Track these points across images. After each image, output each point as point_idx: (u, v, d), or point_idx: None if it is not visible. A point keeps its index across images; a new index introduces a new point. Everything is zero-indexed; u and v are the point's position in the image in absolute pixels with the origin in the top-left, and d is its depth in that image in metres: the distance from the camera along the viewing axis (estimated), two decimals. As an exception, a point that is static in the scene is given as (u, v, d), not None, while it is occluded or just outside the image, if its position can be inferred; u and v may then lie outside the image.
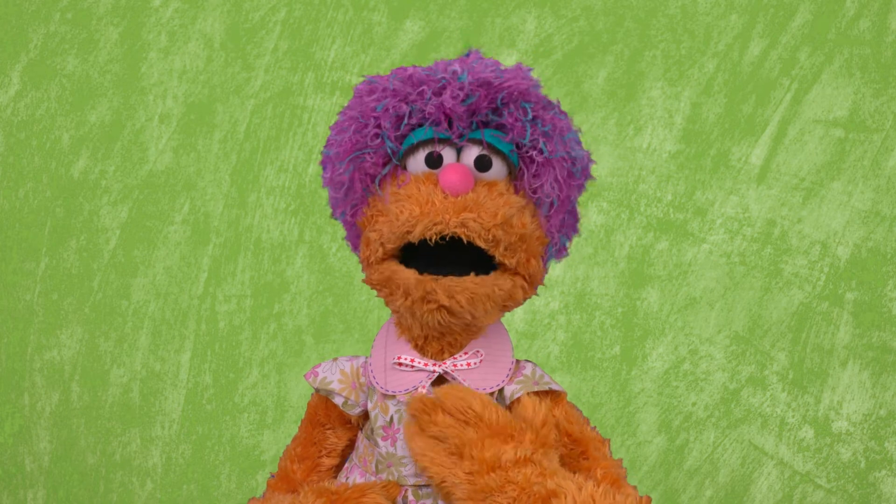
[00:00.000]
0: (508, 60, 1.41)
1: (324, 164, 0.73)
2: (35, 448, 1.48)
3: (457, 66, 0.67)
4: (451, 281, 0.66)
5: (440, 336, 0.72)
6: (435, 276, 0.66)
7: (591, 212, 1.39)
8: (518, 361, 0.75)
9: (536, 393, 0.73)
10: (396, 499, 0.70)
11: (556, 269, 1.39)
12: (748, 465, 1.35)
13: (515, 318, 1.39)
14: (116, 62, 1.49)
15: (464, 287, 0.66)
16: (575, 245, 1.41)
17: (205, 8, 1.48)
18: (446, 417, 0.63)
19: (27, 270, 1.49)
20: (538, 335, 1.39)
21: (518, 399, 0.72)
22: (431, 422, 0.64)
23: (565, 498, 0.60)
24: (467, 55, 0.71)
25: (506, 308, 0.72)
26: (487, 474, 0.61)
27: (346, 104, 0.72)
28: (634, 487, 0.70)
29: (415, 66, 0.69)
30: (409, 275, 0.67)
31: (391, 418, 0.72)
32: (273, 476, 0.79)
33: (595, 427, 0.74)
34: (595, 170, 0.75)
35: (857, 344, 1.34)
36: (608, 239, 1.39)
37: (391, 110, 0.67)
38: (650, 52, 1.39)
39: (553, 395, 0.74)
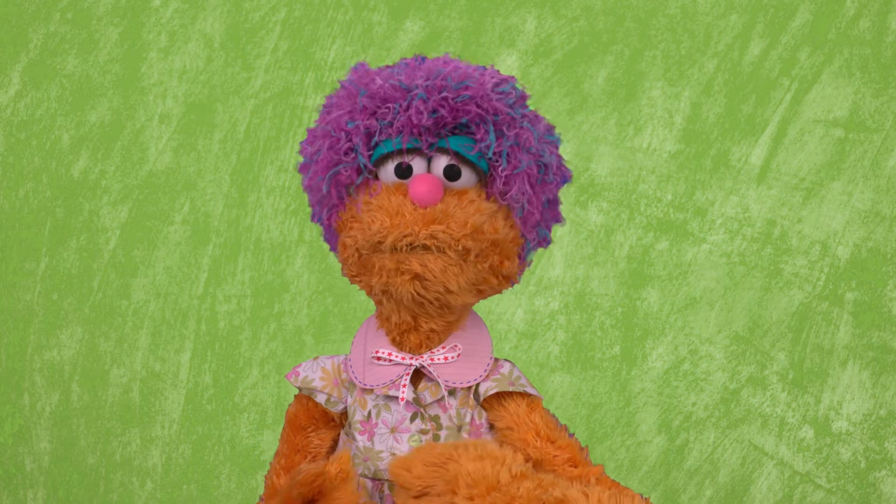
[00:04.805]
0: (508, 60, 1.41)
1: (301, 169, 0.74)
2: (35, 448, 1.48)
3: (419, 81, 0.67)
4: (424, 251, 0.67)
5: (416, 326, 0.72)
6: (408, 252, 0.67)
7: (591, 212, 1.39)
8: (497, 360, 0.75)
9: (511, 396, 0.73)
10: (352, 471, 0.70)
11: (556, 269, 1.39)
12: (748, 465, 1.35)
13: (515, 318, 1.39)
14: (116, 62, 1.49)
15: (436, 257, 0.67)
16: (575, 245, 1.41)
17: (205, 8, 1.48)
18: (426, 468, 0.63)
19: (27, 270, 1.49)
20: (538, 335, 1.39)
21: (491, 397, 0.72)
22: (414, 477, 0.63)
23: None
24: (435, 59, 0.71)
25: (480, 293, 0.72)
26: (490, 494, 0.61)
27: (323, 105, 0.73)
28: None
29: (379, 74, 0.70)
30: (382, 254, 0.68)
31: (369, 413, 0.73)
32: (262, 498, 0.78)
33: (573, 434, 0.74)
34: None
35: (857, 344, 1.34)
36: (608, 239, 1.39)
37: (362, 127, 0.68)
38: (650, 52, 1.39)
39: (529, 400, 0.73)
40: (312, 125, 0.73)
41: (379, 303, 0.74)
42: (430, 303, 0.70)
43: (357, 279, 0.72)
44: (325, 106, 0.72)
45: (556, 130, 0.76)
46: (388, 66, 0.72)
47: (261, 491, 1.44)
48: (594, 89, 1.40)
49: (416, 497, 0.63)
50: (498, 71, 0.71)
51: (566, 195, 0.77)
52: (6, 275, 1.50)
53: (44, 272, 1.49)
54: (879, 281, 1.34)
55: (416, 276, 0.67)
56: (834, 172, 1.36)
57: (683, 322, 1.37)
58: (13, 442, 1.49)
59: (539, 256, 1.39)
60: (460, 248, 0.67)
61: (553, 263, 1.40)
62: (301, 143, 0.74)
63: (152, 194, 1.48)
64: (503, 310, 1.39)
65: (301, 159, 0.74)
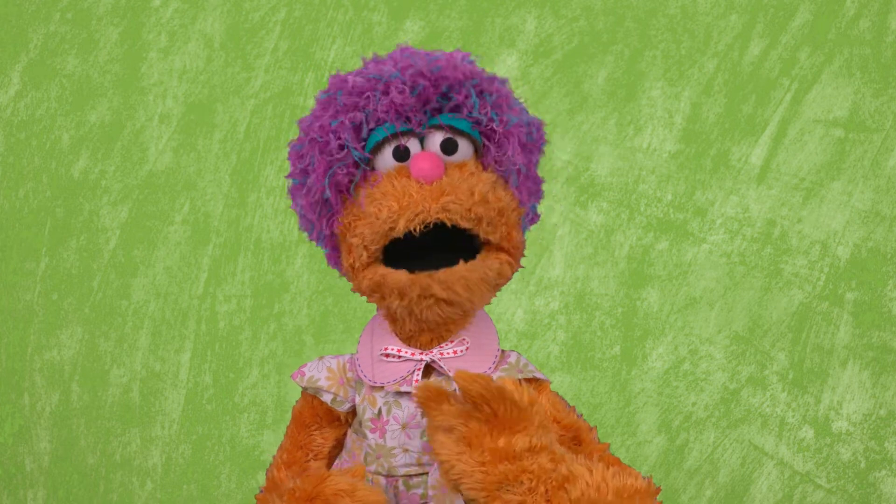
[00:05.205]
0: (508, 61, 1.41)
1: (292, 192, 0.74)
2: (35, 448, 1.48)
3: (389, 66, 0.68)
4: (444, 274, 0.67)
5: (433, 328, 0.73)
6: (428, 273, 0.67)
7: (591, 212, 1.39)
8: (503, 351, 0.76)
9: (520, 381, 0.74)
10: (366, 478, 0.70)
11: (556, 269, 1.39)
12: (748, 465, 1.35)
13: (516, 318, 1.39)
14: (116, 62, 1.49)
15: (458, 276, 0.67)
16: (575, 245, 1.41)
17: (205, 8, 1.48)
18: (452, 406, 0.63)
19: (27, 270, 1.49)
20: (538, 335, 1.39)
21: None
22: (438, 411, 0.63)
23: (579, 482, 0.60)
24: (392, 53, 0.72)
25: (497, 287, 0.73)
26: (501, 463, 0.61)
27: (300, 127, 0.73)
28: None
29: (350, 74, 0.70)
30: (400, 276, 0.67)
31: (379, 410, 0.73)
32: (262, 490, 0.78)
33: (581, 414, 0.75)
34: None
35: (857, 344, 1.34)
36: (608, 239, 1.39)
37: (347, 122, 0.68)
38: (650, 52, 1.39)
39: (537, 384, 0.74)
40: (291, 147, 0.74)
41: (392, 315, 0.74)
42: (455, 314, 0.71)
43: (368, 294, 0.71)
44: (301, 126, 0.73)
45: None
46: (354, 70, 0.72)
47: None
48: (594, 89, 1.40)
49: (439, 429, 0.63)
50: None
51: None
52: (6, 275, 1.50)
53: (44, 272, 1.49)
54: (879, 281, 1.34)
55: (441, 300, 0.68)
56: (834, 172, 1.36)
57: (683, 322, 1.37)
58: (13, 442, 1.49)
59: (539, 256, 1.39)
60: (472, 216, 0.67)
61: (553, 263, 1.40)
62: (289, 167, 0.74)
63: (152, 194, 1.47)
64: (503, 310, 1.39)
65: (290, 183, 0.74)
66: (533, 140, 0.73)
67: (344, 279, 0.75)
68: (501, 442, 0.61)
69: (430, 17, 1.43)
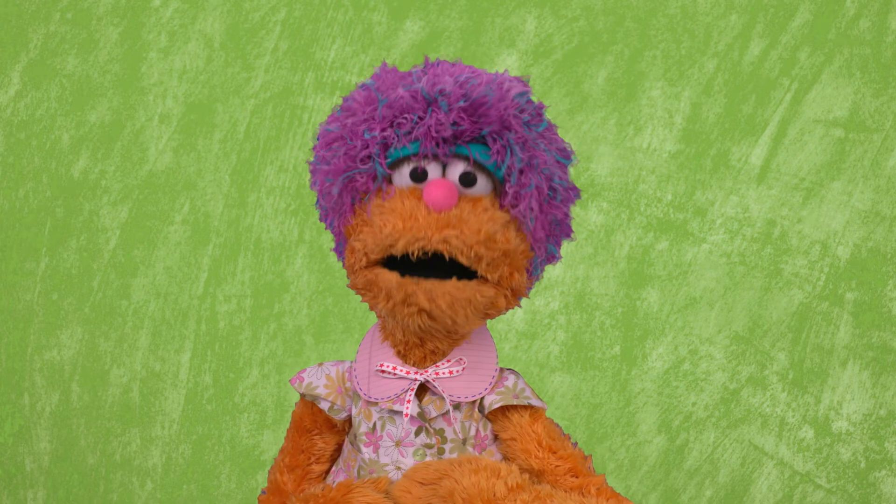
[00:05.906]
0: (508, 61, 1.41)
1: (312, 170, 0.73)
2: (35, 448, 1.48)
3: (441, 85, 0.66)
4: (432, 284, 0.66)
5: (422, 343, 0.72)
6: (416, 279, 0.66)
7: (591, 212, 1.39)
8: (502, 371, 0.75)
9: (515, 407, 0.73)
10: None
11: (556, 269, 1.39)
12: (748, 465, 1.35)
13: (515, 318, 1.39)
14: (116, 62, 1.49)
15: (444, 291, 0.66)
16: (575, 245, 1.41)
17: (205, 8, 1.48)
18: (423, 487, 0.64)
19: (27, 270, 1.49)
20: (538, 335, 1.39)
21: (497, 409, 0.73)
22: (414, 498, 0.64)
23: None
24: (453, 64, 0.70)
25: (488, 315, 0.71)
26: None
27: (340, 106, 0.72)
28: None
29: (402, 81, 0.69)
30: (391, 277, 0.66)
31: (374, 425, 0.72)
32: (264, 492, 0.78)
33: (577, 443, 0.74)
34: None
35: (857, 344, 1.34)
36: (608, 239, 1.39)
37: (379, 137, 0.67)
38: (650, 52, 1.39)
39: (532, 411, 0.73)
40: (326, 124, 0.72)
41: (383, 321, 0.74)
42: (437, 331, 0.70)
43: (362, 293, 0.71)
44: (342, 107, 0.71)
45: (569, 147, 0.74)
46: (409, 72, 0.71)
47: (261, 488, 1.44)
48: (594, 89, 1.40)
49: None
50: (517, 81, 0.70)
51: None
52: (6, 275, 1.50)
53: (44, 272, 1.49)
54: (879, 281, 1.34)
55: (423, 311, 0.66)
56: (834, 172, 1.36)
57: (683, 322, 1.37)
58: (13, 442, 1.49)
59: (539, 256, 1.39)
60: (472, 254, 0.65)
61: (553, 263, 1.40)
62: (314, 147, 0.73)
63: (152, 194, 1.47)
64: (503, 310, 1.39)
65: (311, 158, 0.73)
66: (553, 202, 0.70)
67: (344, 279, 0.75)
68: (477, 489, 0.62)
69: (430, 17, 1.43)
